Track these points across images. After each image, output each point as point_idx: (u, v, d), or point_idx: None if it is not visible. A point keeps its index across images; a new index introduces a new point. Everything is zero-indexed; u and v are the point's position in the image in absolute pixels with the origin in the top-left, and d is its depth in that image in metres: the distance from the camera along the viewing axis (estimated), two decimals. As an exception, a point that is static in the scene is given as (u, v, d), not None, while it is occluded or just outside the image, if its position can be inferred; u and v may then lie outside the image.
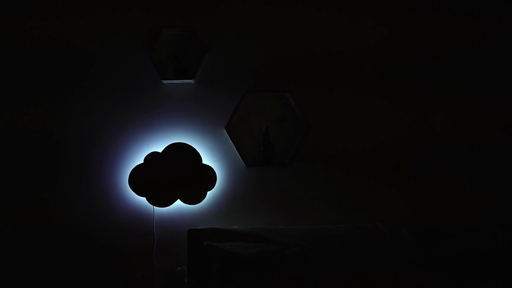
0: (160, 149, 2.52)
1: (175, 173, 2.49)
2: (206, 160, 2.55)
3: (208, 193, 2.52)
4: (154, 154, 2.50)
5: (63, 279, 2.52)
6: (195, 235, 2.36)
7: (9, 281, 2.52)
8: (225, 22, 2.59)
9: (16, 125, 2.55)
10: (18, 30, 2.56)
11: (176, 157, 2.49)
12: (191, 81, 2.55)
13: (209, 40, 2.57)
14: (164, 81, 2.54)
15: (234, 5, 2.59)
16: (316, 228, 2.44)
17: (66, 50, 2.56)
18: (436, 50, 2.61)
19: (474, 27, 2.62)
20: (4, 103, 2.55)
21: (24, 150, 2.55)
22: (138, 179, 2.48)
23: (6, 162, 2.55)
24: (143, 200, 2.51)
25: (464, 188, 2.59)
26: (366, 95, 2.60)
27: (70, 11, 2.57)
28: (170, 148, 2.50)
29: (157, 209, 2.53)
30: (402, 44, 2.61)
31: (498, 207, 2.58)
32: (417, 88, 2.61)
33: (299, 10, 2.60)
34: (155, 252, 2.52)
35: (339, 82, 2.60)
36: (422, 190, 2.59)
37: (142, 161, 2.50)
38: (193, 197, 2.50)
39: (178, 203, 2.50)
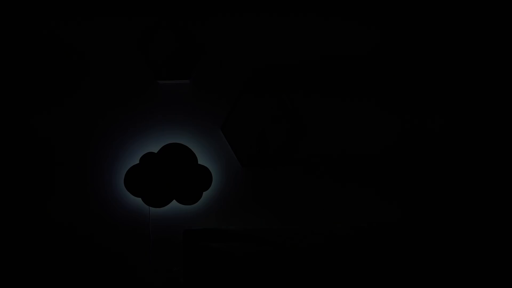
0: (155, 149, 2.52)
1: (170, 174, 2.49)
2: (202, 160, 2.55)
3: (204, 193, 2.52)
4: (149, 155, 2.50)
5: (58, 279, 2.52)
6: (191, 236, 2.37)
7: (7, 282, 2.51)
8: (221, 24, 2.59)
9: (12, 126, 2.54)
10: (14, 32, 2.55)
11: (172, 157, 2.49)
12: (187, 81, 2.55)
13: (205, 41, 2.57)
14: (160, 82, 2.54)
15: (231, 7, 2.58)
16: (311, 228, 2.44)
17: (62, 51, 2.55)
18: (431, 54, 2.60)
19: (472, 28, 2.61)
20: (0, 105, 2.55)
21: (20, 152, 2.54)
22: (134, 180, 2.48)
23: (3, 163, 2.54)
24: (139, 200, 2.50)
25: (459, 191, 2.58)
26: (362, 98, 2.59)
27: (66, 13, 2.56)
28: (165, 149, 2.50)
29: (153, 209, 2.53)
30: (397, 48, 2.60)
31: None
32: (412, 92, 2.59)
33: (298, 13, 2.59)
34: (151, 253, 2.52)
35: (335, 84, 2.58)
36: (418, 193, 2.58)
37: (138, 162, 2.50)
38: (189, 198, 2.50)
39: (174, 203, 2.50)
